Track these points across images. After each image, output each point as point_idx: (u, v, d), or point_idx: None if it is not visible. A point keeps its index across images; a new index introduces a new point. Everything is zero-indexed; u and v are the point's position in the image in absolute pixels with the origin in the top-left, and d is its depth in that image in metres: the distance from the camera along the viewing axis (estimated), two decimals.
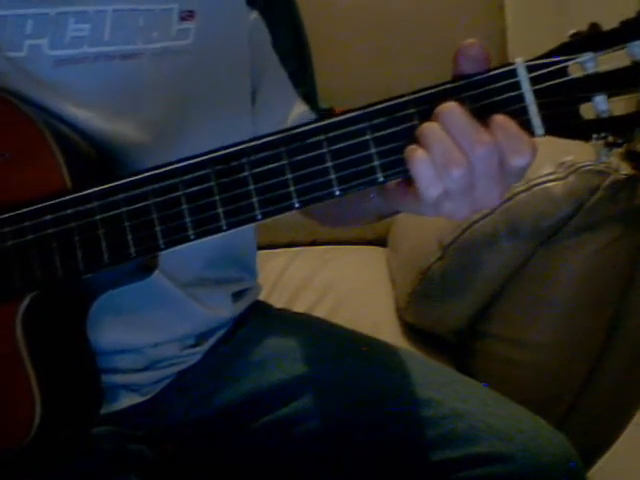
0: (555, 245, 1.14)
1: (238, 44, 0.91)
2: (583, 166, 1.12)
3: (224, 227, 0.70)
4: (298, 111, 0.94)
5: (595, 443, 1.30)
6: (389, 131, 0.66)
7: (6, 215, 0.75)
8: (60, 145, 0.75)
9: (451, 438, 0.86)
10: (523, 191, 1.14)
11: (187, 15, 0.86)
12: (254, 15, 0.92)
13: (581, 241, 1.14)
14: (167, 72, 0.86)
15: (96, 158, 0.80)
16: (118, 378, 0.90)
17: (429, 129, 0.64)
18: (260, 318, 1.02)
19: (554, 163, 1.14)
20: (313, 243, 1.60)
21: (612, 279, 1.18)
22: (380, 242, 1.56)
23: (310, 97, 0.96)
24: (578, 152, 1.14)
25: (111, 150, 0.82)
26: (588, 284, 1.17)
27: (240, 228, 0.70)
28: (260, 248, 1.07)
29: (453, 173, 0.63)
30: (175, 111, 0.87)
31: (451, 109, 0.64)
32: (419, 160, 0.64)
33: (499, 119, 0.64)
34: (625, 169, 1.13)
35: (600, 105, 0.64)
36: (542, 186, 1.13)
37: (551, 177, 1.13)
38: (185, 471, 0.95)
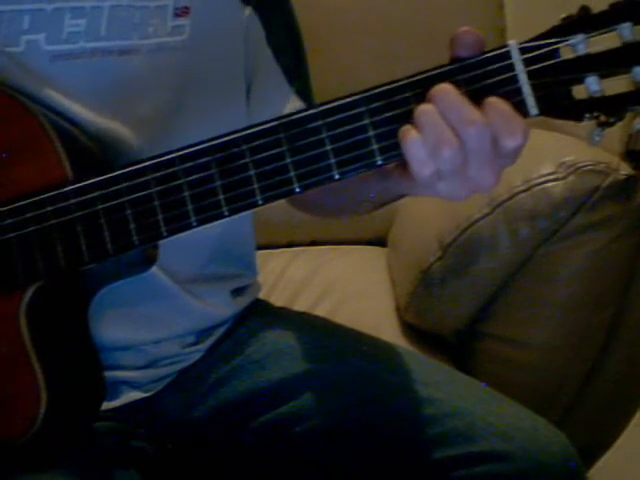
0: (555, 245, 1.14)
1: (233, 39, 0.92)
2: (583, 166, 1.12)
3: (226, 213, 0.70)
4: (292, 107, 0.94)
5: (595, 443, 1.30)
6: (386, 115, 0.67)
7: (7, 208, 0.75)
8: (61, 138, 0.76)
9: (451, 436, 0.86)
10: (523, 191, 1.14)
11: (182, 11, 0.86)
12: (248, 11, 0.92)
13: (581, 241, 1.13)
14: (163, 68, 0.87)
15: (96, 151, 0.80)
16: (119, 374, 0.90)
17: (422, 110, 0.66)
18: (260, 316, 1.02)
19: (554, 163, 1.14)
20: (313, 243, 1.60)
21: (612, 279, 1.18)
22: (380, 242, 1.56)
23: (305, 93, 0.97)
24: (578, 152, 1.14)
25: (107, 144, 0.83)
26: (588, 284, 1.16)
27: (241, 215, 0.71)
28: (260, 248, 1.07)
29: (444, 153, 0.65)
30: (171, 106, 0.88)
31: (444, 90, 0.65)
32: (411, 141, 0.66)
33: (492, 100, 0.65)
34: (625, 169, 1.13)
35: (592, 86, 0.65)
36: (542, 186, 1.13)
37: (551, 177, 1.13)
38: (185, 468, 0.95)
